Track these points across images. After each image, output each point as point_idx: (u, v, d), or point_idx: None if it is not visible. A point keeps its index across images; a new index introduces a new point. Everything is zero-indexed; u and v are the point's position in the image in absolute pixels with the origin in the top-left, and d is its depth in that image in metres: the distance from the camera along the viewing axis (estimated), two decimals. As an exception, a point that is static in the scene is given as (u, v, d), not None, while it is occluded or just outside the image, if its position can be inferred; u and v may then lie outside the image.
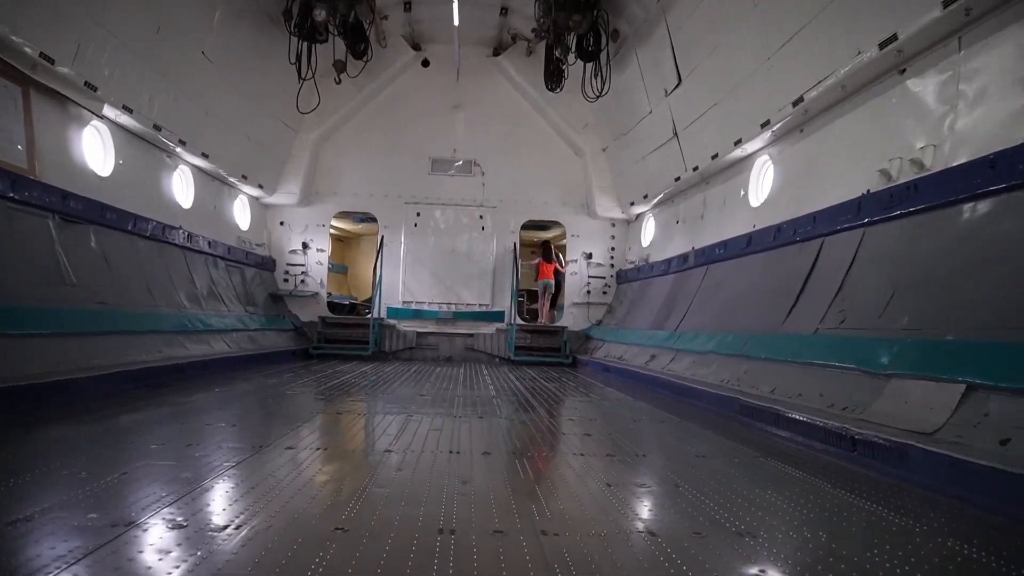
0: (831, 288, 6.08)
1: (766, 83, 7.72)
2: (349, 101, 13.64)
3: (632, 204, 13.27)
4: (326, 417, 5.63)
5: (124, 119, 8.33)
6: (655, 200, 12.39)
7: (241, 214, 12.93)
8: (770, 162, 8.54)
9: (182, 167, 10.42)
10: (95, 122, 8.05)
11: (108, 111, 7.99)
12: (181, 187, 10.56)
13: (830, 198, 6.72)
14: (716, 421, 5.83)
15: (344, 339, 13.32)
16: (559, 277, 15.24)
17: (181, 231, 10.02)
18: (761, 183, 8.96)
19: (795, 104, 7.19)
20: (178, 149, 9.78)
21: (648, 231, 13.42)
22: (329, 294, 15.00)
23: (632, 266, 13.56)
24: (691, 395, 7.21)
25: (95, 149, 8.21)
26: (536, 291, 15.09)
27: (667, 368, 8.81)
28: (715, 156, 9.41)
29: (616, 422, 6.06)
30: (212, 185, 11.43)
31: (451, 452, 4.25)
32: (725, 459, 4.32)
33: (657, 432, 5.49)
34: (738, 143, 8.67)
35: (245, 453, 4.02)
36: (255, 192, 13.01)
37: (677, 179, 10.88)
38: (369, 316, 13.29)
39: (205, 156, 10.42)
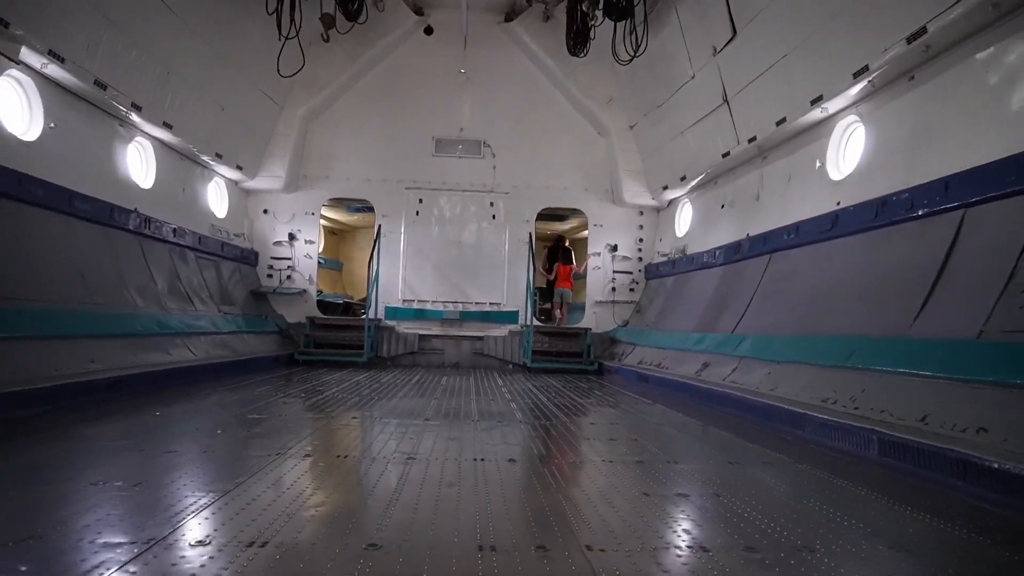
0: (993, 274, 4.39)
1: (864, 17, 6.05)
2: (341, 73, 11.99)
3: (665, 189, 11.60)
4: (292, 463, 3.95)
5: (54, 70, 6.66)
6: (694, 182, 10.71)
7: (217, 200, 11.27)
8: (859, 123, 6.87)
9: (140, 140, 8.76)
10: (12, 70, 6.38)
11: (28, 56, 6.32)
12: (139, 163, 8.89)
13: (971, 157, 5.04)
14: (848, 467, 4.13)
15: (335, 343, 11.64)
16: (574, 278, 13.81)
17: (136, 215, 8.35)
18: (843, 151, 7.28)
19: (911, 39, 5.51)
20: (133, 116, 8.12)
21: (684, 219, 11.75)
22: (320, 292, 13.32)
23: (664, 259, 11.87)
24: (781, 419, 5.52)
25: (12, 105, 6.54)
26: (541, 288, 13.52)
27: (731, 380, 7.12)
28: (781, 122, 7.73)
29: (700, 463, 4.38)
30: (180, 164, 9.77)
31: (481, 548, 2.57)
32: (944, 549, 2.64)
33: (775, 484, 3.80)
34: (817, 102, 6.99)
35: (159, 528, 2.36)
36: (233, 175, 11.34)
37: (726, 154, 9.20)
38: (364, 317, 11.62)
39: (168, 127, 8.76)
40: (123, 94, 7.64)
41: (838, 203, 6.88)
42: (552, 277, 13.44)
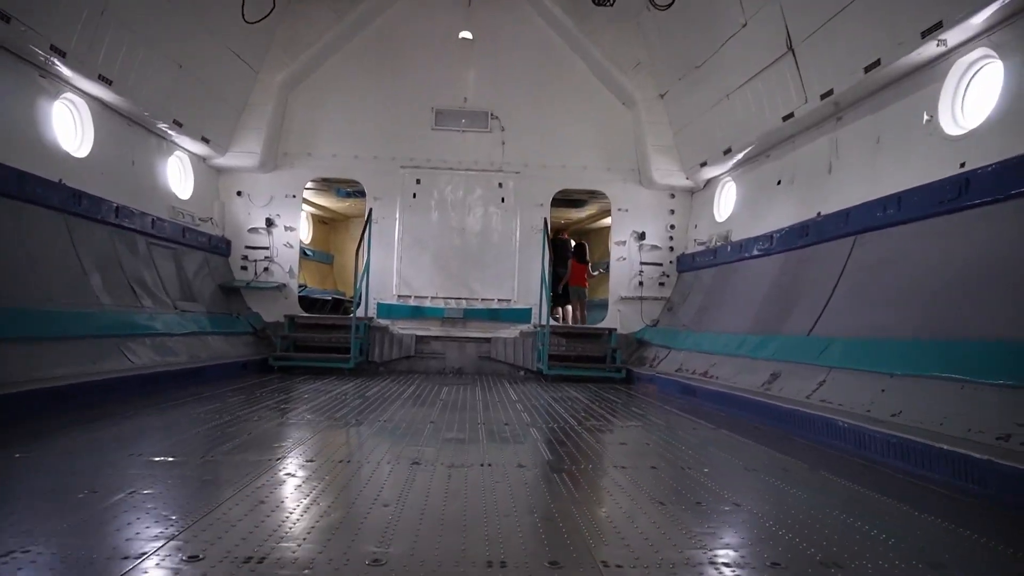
0: None
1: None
2: (326, 32, 10.34)
3: (702, 166, 9.91)
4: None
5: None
6: (740, 156, 9.03)
7: (179, 177, 9.65)
8: (994, 58, 5.18)
9: (71, 97, 7.13)
10: None
11: None
12: (70, 125, 7.27)
13: None
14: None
15: (318, 346, 10.00)
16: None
17: (61, 188, 6.72)
18: (963, 98, 5.60)
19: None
20: (58, 65, 6.49)
21: (726, 201, 10.06)
22: (303, 286, 11.70)
23: (702, 248, 10.18)
24: (940, 465, 3.83)
25: None
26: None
27: (819, 397, 5.44)
28: (873, 67, 6.05)
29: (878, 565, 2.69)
30: (127, 132, 8.13)
31: None
32: None
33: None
34: (933, 32, 5.30)
35: None
36: (199, 149, 9.70)
37: (787, 117, 7.53)
38: (352, 316, 9.97)
39: (106, 83, 7.13)
40: (36, 32, 6.00)
41: (962, 165, 5.20)
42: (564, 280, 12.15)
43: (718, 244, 9.60)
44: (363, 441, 4.64)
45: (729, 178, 9.84)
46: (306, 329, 10.23)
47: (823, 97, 6.87)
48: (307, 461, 3.81)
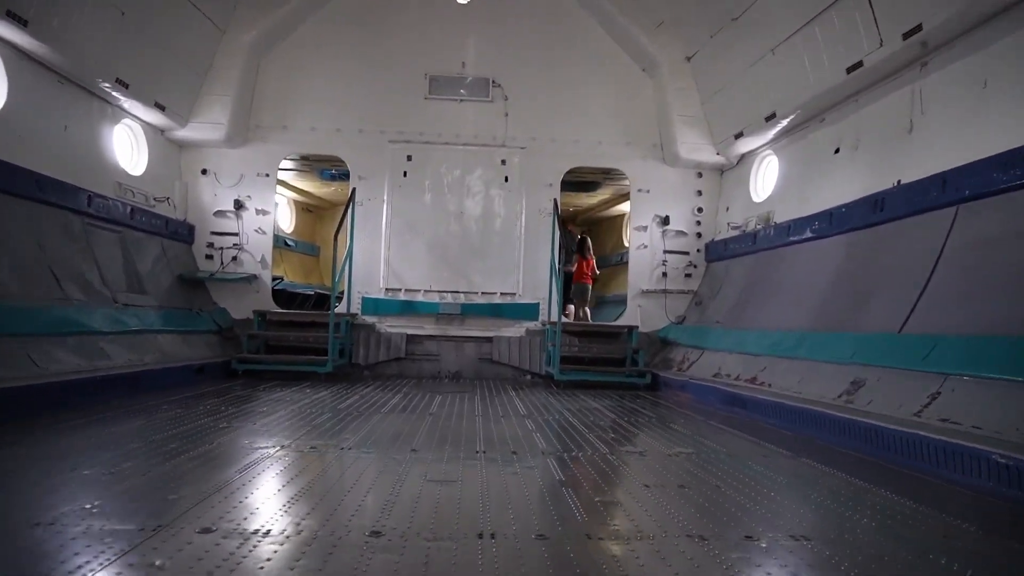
0: None
1: None
2: (303, -15, 9.00)
3: (738, 137, 8.53)
4: None
5: None
6: (786, 122, 7.65)
7: (130, 150, 8.30)
8: None
9: (-29, 39, 5.78)
10: None
11: None
12: (-28, 76, 5.93)
13: None
14: None
15: (293, 346, 8.64)
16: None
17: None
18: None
19: None
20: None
21: (766, 177, 8.70)
22: (278, 279, 10.37)
23: (736, 232, 8.80)
24: None
25: None
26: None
27: (939, 417, 4.05)
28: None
29: None
30: (56, 89, 6.76)
31: None
32: None
33: None
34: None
35: None
36: (153, 118, 8.34)
37: (854, 67, 6.15)
38: (331, 311, 8.60)
39: (20, 23, 5.77)
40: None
41: None
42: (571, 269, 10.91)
43: (758, 228, 8.22)
44: (309, 487, 3.27)
45: (770, 151, 8.46)
46: (279, 327, 8.85)
47: (906, 36, 5.49)
48: (202, 531, 2.43)
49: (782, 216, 7.78)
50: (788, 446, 4.42)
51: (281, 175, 11.66)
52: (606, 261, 13.63)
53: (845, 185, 6.64)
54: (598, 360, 8.89)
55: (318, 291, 11.78)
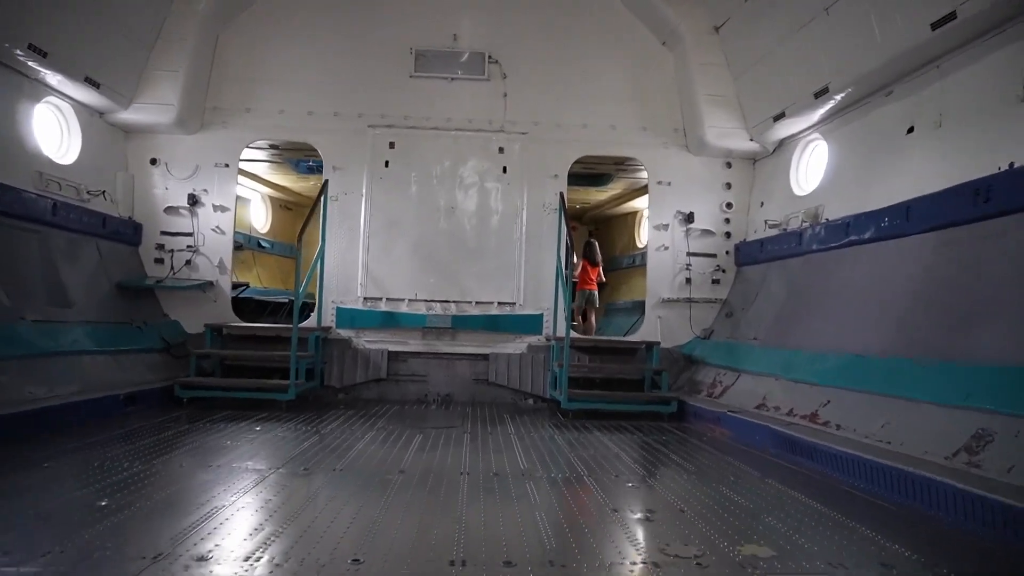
0: None
1: None
2: (267, -57, 7.71)
3: (778, 119, 7.20)
4: None
5: None
6: (841, 95, 6.31)
7: (57, 134, 7.01)
8: None
9: None
10: None
11: None
12: None
13: None
14: None
15: (256, 367, 7.34)
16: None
17: None
18: None
19: None
20: None
21: (811, 166, 7.39)
22: (242, 286, 9.08)
23: (776, 231, 7.46)
24: None
25: None
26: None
27: None
28: None
29: None
30: (-52, 55, 5.48)
31: None
32: None
33: None
34: None
35: None
36: (88, 97, 7.03)
37: (943, 21, 4.82)
38: (295, 323, 7.31)
39: None
40: None
41: None
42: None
43: (803, 226, 6.88)
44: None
45: (816, 134, 7.13)
46: (238, 343, 7.55)
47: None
48: None
49: (835, 211, 6.45)
50: (904, 534, 3.09)
51: (253, 167, 10.44)
52: (616, 263, 12.32)
53: (925, 172, 5.31)
54: (612, 382, 7.58)
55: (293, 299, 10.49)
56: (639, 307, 9.24)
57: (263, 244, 11.47)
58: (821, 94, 6.42)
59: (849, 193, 6.33)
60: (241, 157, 8.34)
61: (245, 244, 11.07)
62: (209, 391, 6.76)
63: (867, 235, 5.84)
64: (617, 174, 9.94)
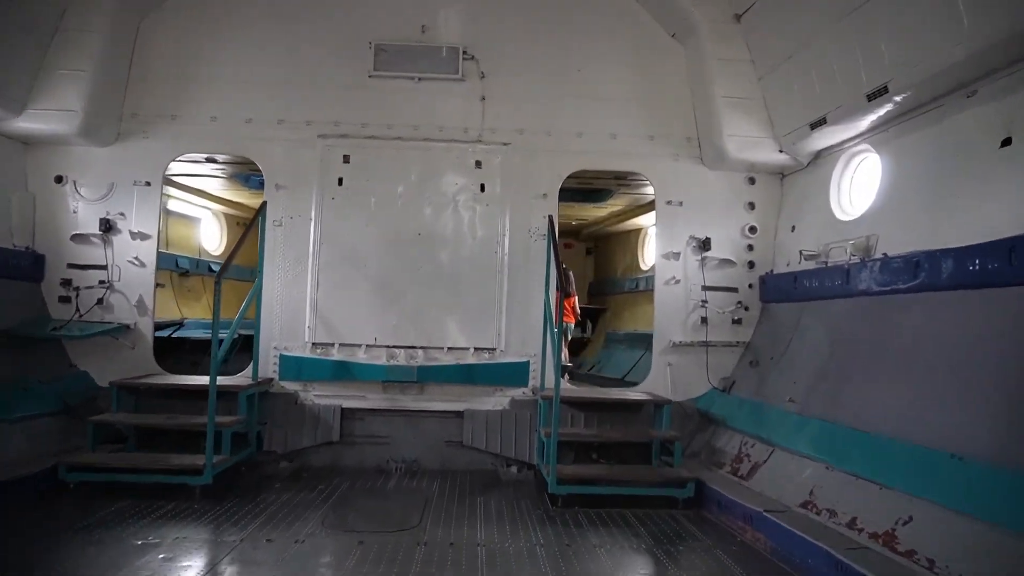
0: None
1: None
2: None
3: (817, 126, 5.80)
4: None
5: None
6: (902, 97, 4.92)
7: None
8: None
9: None
10: None
11: None
12: None
13: None
14: None
15: (180, 431, 5.95)
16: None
17: None
18: None
19: None
20: None
21: (858, 183, 6.01)
22: (174, 325, 7.73)
23: (813, 263, 6.06)
24: None
25: None
26: None
27: None
28: None
29: None
30: None
31: None
32: None
33: None
34: None
35: None
36: (-41, 101, 5.69)
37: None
38: (212, 377, 5.93)
39: None
40: None
41: None
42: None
43: (852, 260, 5.48)
44: None
45: (865, 144, 5.74)
46: (153, 399, 6.17)
47: None
48: None
49: (895, 244, 5.07)
50: None
51: (202, 183, 9.07)
52: (617, 287, 10.96)
53: (1031, 199, 3.95)
54: (611, 446, 6.20)
55: (244, 332, 9.07)
56: (643, 340, 7.89)
57: (215, 268, 10.10)
58: (877, 95, 5.04)
59: (914, 221, 4.95)
60: (168, 173, 6.99)
61: (193, 269, 9.74)
62: (97, 474, 5.35)
63: (946, 278, 4.46)
64: (619, 189, 8.56)
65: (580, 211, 10.00)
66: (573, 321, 9.23)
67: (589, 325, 11.24)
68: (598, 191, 8.61)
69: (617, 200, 9.13)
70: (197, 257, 9.91)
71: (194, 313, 9.54)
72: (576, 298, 9.23)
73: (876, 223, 5.41)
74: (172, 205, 9.26)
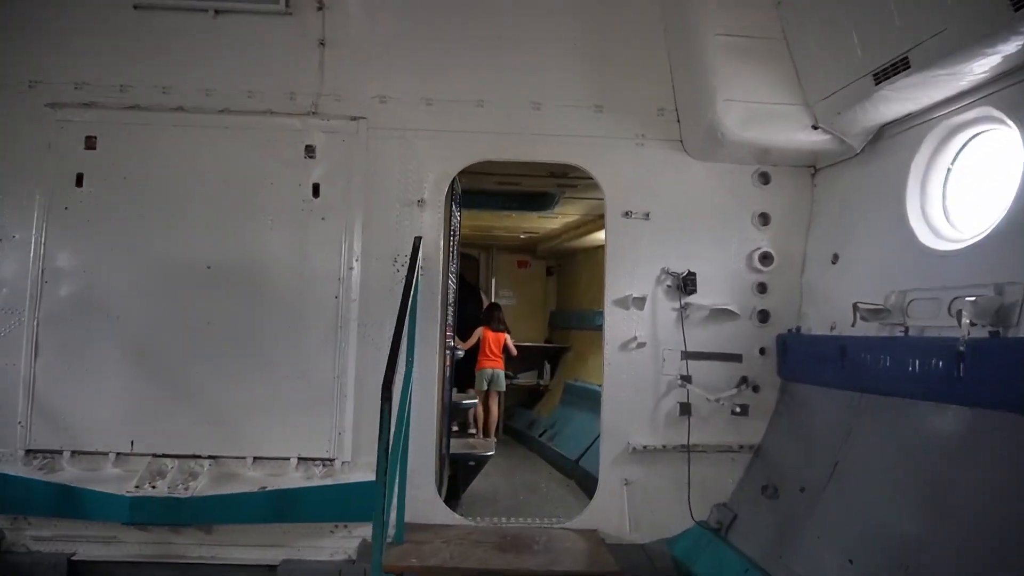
0: None
1: None
2: None
3: (885, 79, 3.10)
4: None
5: None
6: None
7: None
8: None
9: None
10: None
11: None
12: None
13: None
14: None
15: None
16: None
17: None
18: None
19: None
20: None
21: (966, 181, 3.30)
22: None
23: (881, 323, 3.34)
24: None
25: None
26: None
27: None
28: None
29: None
30: None
31: None
32: None
33: None
34: None
35: None
36: None
37: None
38: None
39: None
40: None
41: None
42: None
43: (966, 332, 2.75)
44: None
45: (988, 109, 3.03)
46: None
47: None
48: None
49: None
50: None
51: None
52: (583, 321, 8.28)
53: None
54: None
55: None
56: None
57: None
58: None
59: None
60: None
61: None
62: None
63: None
64: (562, 192, 5.83)
65: (525, 221, 7.32)
66: (502, 367, 7.14)
67: (548, 368, 8.64)
68: (537, 195, 5.92)
69: (567, 208, 6.41)
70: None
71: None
72: (508, 336, 7.09)
73: (1013, 258, 2.72)
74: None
